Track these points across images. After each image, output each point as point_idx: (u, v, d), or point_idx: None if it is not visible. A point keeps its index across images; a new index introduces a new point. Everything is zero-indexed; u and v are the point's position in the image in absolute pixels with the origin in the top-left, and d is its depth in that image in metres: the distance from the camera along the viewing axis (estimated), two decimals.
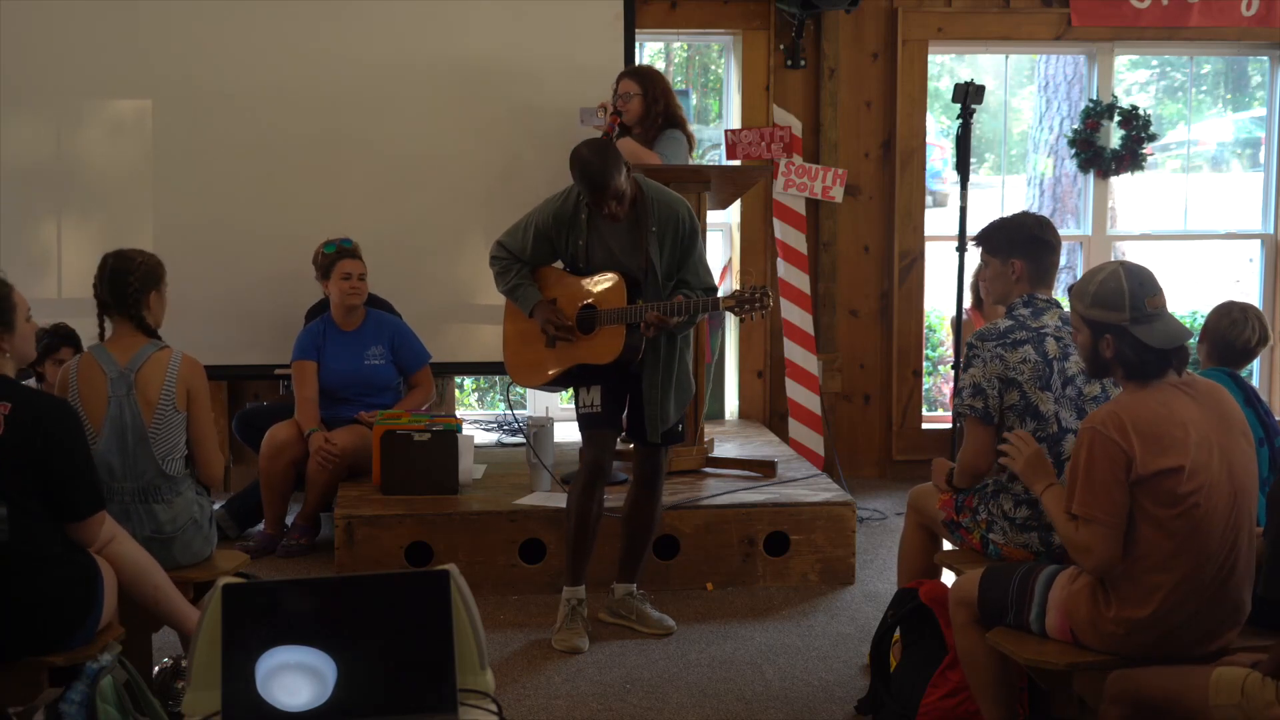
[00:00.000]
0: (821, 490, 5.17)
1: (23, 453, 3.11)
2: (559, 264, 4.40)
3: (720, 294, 4.23)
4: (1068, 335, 3.54)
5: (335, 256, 5.44)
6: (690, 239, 4.23)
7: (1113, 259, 7.03)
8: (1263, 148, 7.44)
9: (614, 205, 4.08)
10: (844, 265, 6.67)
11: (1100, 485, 2.91)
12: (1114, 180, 6.99)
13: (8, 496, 3.10)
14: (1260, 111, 8.28)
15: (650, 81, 5.41)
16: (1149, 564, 2.91)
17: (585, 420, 4.30)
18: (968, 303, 6.14)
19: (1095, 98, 6.91)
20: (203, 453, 3.83)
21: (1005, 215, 3.81)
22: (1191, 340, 3.08)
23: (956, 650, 3.34)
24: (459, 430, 5.09)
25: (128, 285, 3.74)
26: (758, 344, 6.73)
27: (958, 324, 5.97)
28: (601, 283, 4.23)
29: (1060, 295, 3.84)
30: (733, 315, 4.12)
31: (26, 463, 3.11)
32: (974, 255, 5.94)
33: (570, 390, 4.50)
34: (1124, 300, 2.96)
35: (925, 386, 7.22)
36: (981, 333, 3.56)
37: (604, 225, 4.21)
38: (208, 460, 3.85)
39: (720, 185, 5.22)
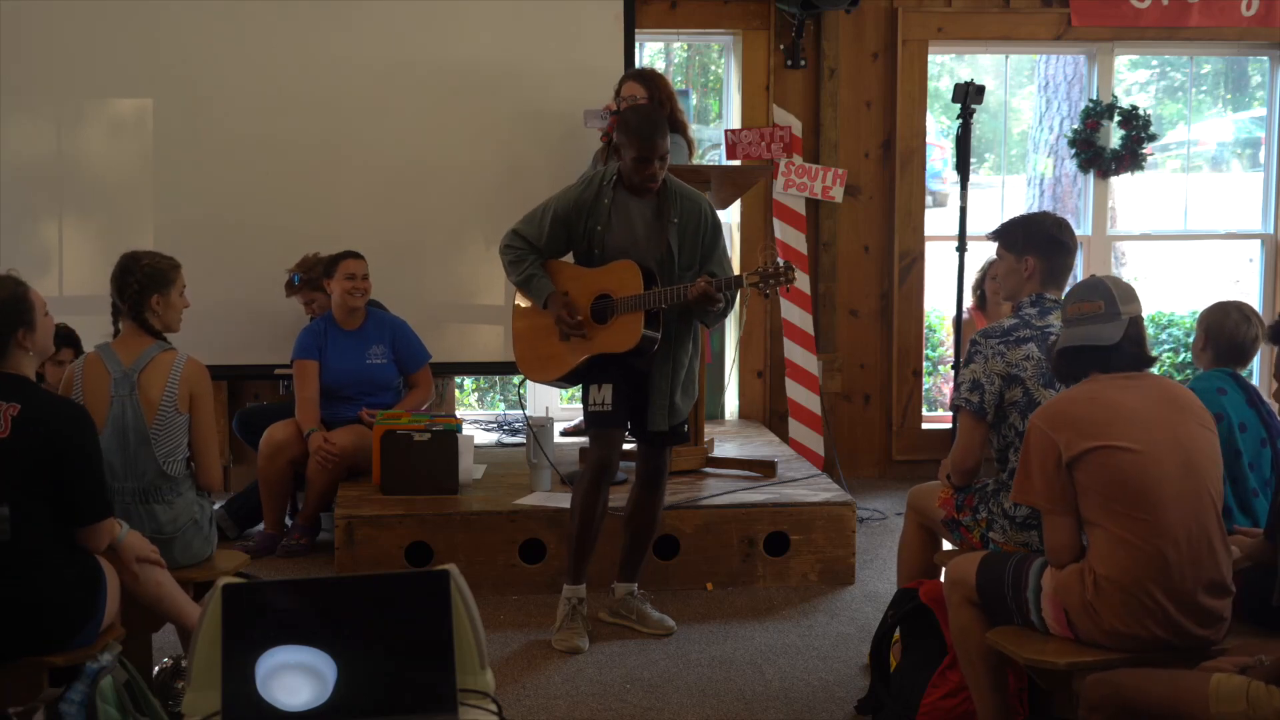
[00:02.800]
0: (821, 490, 5.17)
1: (29, 455, 3.11)
2: (568, 258, 4.40)
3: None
4: None
5: (340, 256, 5.44)
6: (713, 233, 4.25)
7: (1111, 260, 7.06)
8: (1263, 148, 7.44)
9: (658, 166, 4.14)
10: (844, 265, 6.67)
11: (1034, 472, 3.07)
12: (1114, 180, 6.99)
13: (10, 497, 3.10)
14: (1260, 111, 8.28)
15: (656, 85, 5.42)
16: (1113, 541, 2.94)
17: (594, 418, 4.29)
18: (969, 302, 6.14)
19: (1095, 98, 6.91)
20: (202, 457, 3.83)
21: (1025, 213, 3.82)
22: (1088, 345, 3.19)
23: (950, 630, 3.34)
24: (459, 430, 5.09)
25: (127, 286, 3.76)
26: (758, 344, 6.73)
27: (958, 324, 5.97)
28: (616, 272, 4.21)
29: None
30: (756, 291, 4.10)
31: (32, 465, 3.11)
32: (974, 255, 5.97)
33: (573, 389, 4.49)
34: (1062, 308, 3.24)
35: (925, 386, 7.22)
36: (985, 330, 3.58)
37: (629, 209, 4.21)
38: (207, 465, 3.85)
39: (720, 185, 5.21)
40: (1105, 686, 2.79)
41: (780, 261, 4.10)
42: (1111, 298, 3.13)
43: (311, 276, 5.64)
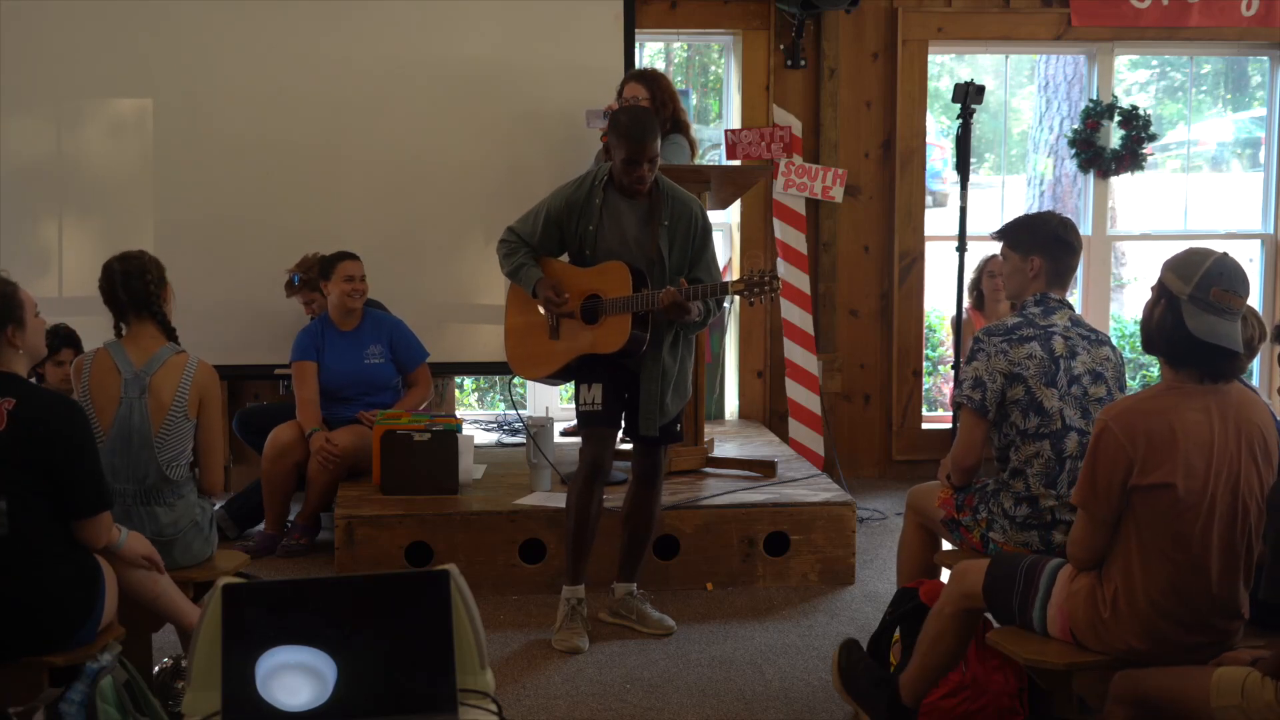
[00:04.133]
0: (821, 490, 5.17)
1: (25, 449, 3.11)
2: (563, 258, 4.40)
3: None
4: (1076, 335, 3.55)
5: (336, 258, 5.44)
6: (703, 237, 4.26)
7: (1111, 260, 7.06)
8: (1263, 148, 7.45)
9: (647, 169, 4.13)
10: (844, 265, 6.67)
11: (1100, 480, 2.95)
12: (1114, 180, 6.99)
13: (8, 491, 3.10)
14: (1260, 111, 8.29)
15: (658, 86, 5.42)
16: (1146, 571, 2.92)
17: (585, 418, 4.30)
18: (968, 302, 6.14)
19: (1095, 98, 6.92)
20: (207, 460, 3.83)
21: (1031, 212, 3.81)
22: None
23: (926, 621, 3.33)
24: (459, 430, 5.09)
25: (146, 286, 3.74)
26: (758, 344, 6.73)
27: (958, 324, 5.98)
28: (606, 273, 4.22)
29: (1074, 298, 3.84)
30: (742, 299, 4.13)
31: (29, 459, 3.11)
32: (974, 255, 5.97)
33: (570, 387, 4.50)
34: (1195, 275, 2.91)
35: (925, 386, 7.22)
36: (989, 328, 3.58)
37: (620, 210, 4.21)
38: (211, 469, 3.85)
39: (720, 185, 5.22)
40: (1131, 681, 2.81)
41: (764, 272, 4.08)
42: (1248, 294, 2.98)
43: (310, 277, 5.64)
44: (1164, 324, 2.94)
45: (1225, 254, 2.98)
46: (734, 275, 6.62)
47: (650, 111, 4.29)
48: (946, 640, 3.26)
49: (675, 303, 4.04)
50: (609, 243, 4.23)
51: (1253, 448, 2.97)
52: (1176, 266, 2.96)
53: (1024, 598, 3.12)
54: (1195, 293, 2.90)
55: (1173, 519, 2.89)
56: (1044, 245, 3.60)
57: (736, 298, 4.17)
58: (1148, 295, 3.05)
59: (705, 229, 4.27)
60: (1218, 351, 2.91)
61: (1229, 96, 9.96)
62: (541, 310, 4.33)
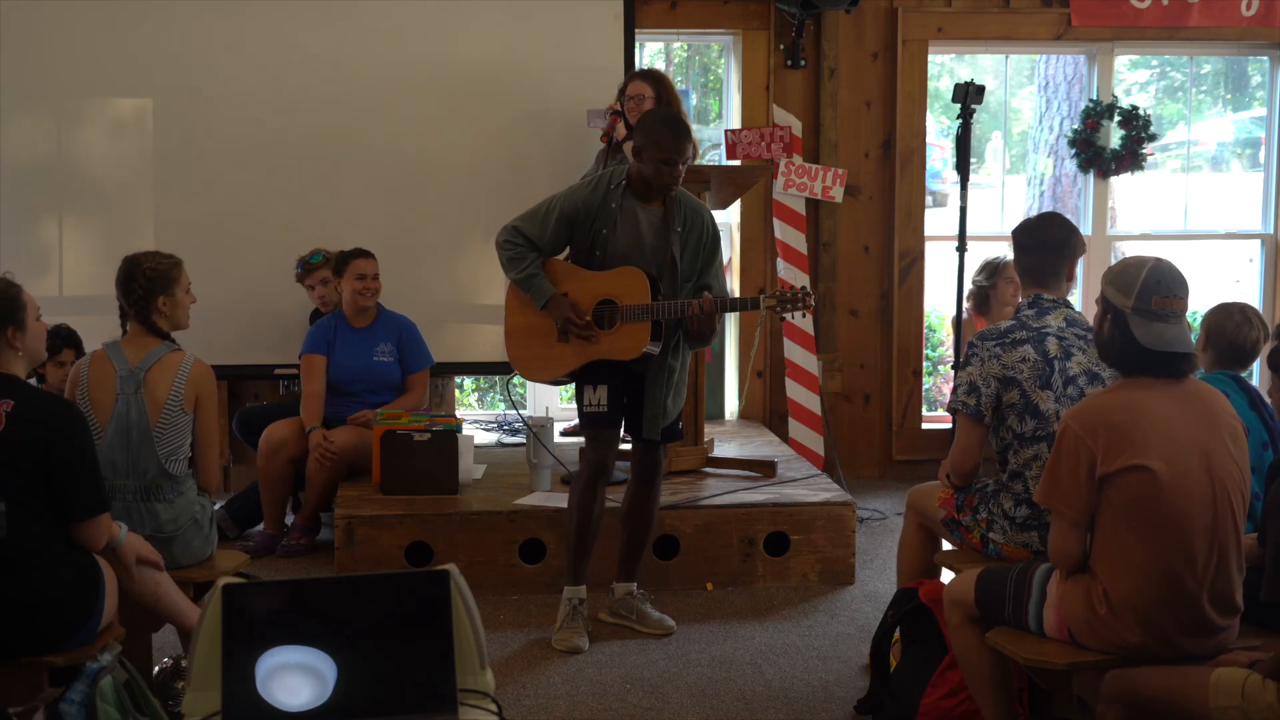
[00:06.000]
0: (821, 490, 5.17)
1: (23, 450, 3.11)
2: (562, 257, 4.39)
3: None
4: (1071, 336, 3.54)
5: (351, 255, 5.44)
6: (714, 245, 4.27)
7: (1111, 260, 7.06)
8: (1263, 148, 7.44)
9: (681, 168, 4.14)
10: (844, 265, 6.67)
11: (1063, 478, 2.98)
12: (1114, 180, 6.99)
13: (7, 493, 3.10)
14: (1260, 111, 8.28)
15: (663, 85, 5.42)
16: (1129, 561, 2.92)
17: (589, 419, 4.29)
18: (968, 305, 6.13)
19: (1095, 98, 6.91)
20: (203, 458, 3.84)
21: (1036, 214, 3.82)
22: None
23: (954, 650, 3.35)
24: (459, 430, 5.09)
25: (133, 290, 3.77)
26: (758, 344, 6.73)
27: (958, 324, 5.97)
28: (622, 278, 4.20)
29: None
30: (774, 314, 4.17)
31: (27, 461, 3.12)
32: (974, 255, 5.97)
33: (571, 387, 4.50)
34: (1135, 287, 2.98)
35: (925, 386, 7.22)
36: (983, 332, 3.58)
37: (637, 215, 4.20)
38: (206, 466, 3.86)
39: (720, 185, 5.22)
40: (1122, 680, 2.80)
41: (801, 289, 4.14)
42: (1188, 294, 3.03)
43: (328, 259, 5.62)
44: (1114, 338, 3.03)
45: (1159, 259, 3.05)
46: (734, 276, 6.64)
47: (676, 113, 4.31)
48: (976, 650, 3.24)
49: (709, 313, 4.05)
50: (621, 246, 4.22)
51: (1219, 429, 2.99)
52: (1115, 280, 3.03)
53: (1017, 603, 3.12)
54: (1138, 304, 2.98)
55: (1148, 503, 2.90)
56: (1021, 244, 3.62)
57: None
58: (1097, 315, 3.11)
59: (715, 236, 4.29)
60: (1169, 356, 2.98)
61: (1229, 96, 9.96)
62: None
